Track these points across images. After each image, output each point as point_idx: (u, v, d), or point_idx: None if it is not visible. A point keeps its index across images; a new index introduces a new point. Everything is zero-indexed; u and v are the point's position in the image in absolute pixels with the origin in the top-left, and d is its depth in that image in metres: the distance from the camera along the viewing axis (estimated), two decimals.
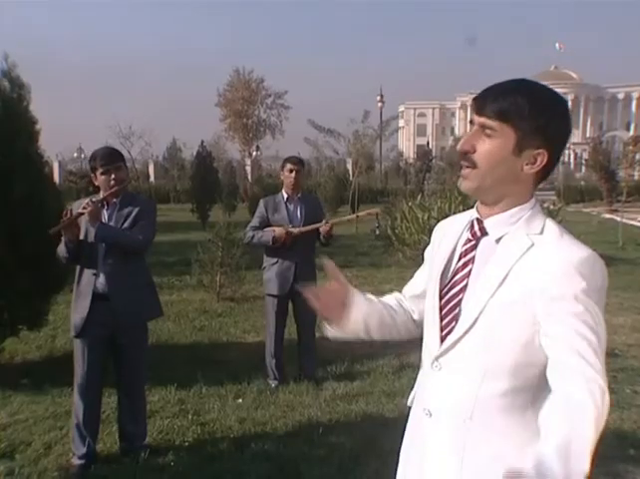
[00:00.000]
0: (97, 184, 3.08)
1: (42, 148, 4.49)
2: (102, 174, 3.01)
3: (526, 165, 1.18)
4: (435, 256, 1.38)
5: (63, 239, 2.98)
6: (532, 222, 1.20)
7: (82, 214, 2.92)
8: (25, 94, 4.29)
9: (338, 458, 3.14)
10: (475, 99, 1.22)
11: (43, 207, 4.16)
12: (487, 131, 1.18)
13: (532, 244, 1.17)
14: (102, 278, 3.01)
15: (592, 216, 18.95)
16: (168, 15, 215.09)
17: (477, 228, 1.27)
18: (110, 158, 3.03)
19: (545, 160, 1.18)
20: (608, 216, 18.47)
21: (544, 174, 1.21)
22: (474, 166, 1.20)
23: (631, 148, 17.31)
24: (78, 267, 3.08)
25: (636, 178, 25.47)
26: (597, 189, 25.10)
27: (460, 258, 1.29)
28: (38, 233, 4.02)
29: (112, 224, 3.06)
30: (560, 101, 1.21)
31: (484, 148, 1.18)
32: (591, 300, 1.10)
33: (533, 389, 1.18)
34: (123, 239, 3.02)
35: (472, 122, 1.23)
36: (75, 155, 45.25)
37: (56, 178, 25.41)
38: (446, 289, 1.29)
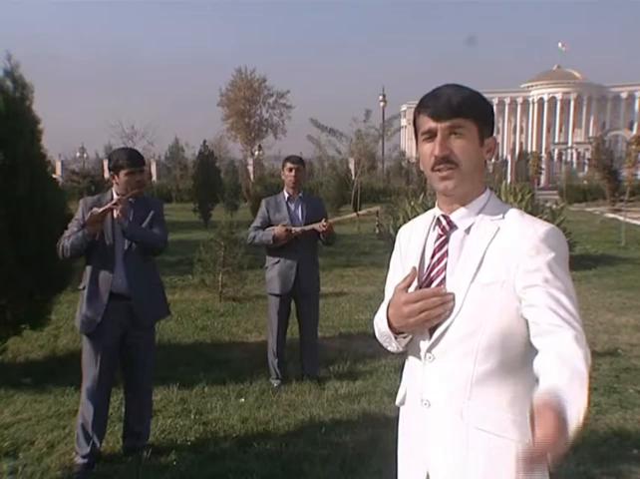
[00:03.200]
0: (117, 183, 3.08)
1: (44, 147, 4.51)
2: (126, 174, 3.03)
3: (487, 153, 1.32)
4: (405, 260, 1.43)
5: (72, 235, 2.98)
6: (494, 209, 1.32)
7: (112, 209, 2.94)
8: (28, 93, 4.30)
9: (340, 458, 3.14)
10: (424, 108, 1.30)
11: (45, 206, 4.17)
12: (457, 130, 1.27)
13: (499, 229, 1.28)
14: (121, 278, 3.02)
15: (595, 215, 18.92)
16: (171, 15, 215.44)
17: (444, 223, 1.35)
18: (136, 160, 3.08)
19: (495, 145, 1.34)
20: (611, 215, 18.42)
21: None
22: (456, 165, 1.27)
23: (634, 147, 17.20)
24: (90, 267, 3.07)
25: (639, 177, 25.40)
26: (600, 188, 25.02)
27: (433, 254, 1.35)
28: (40, 232, 4.04)
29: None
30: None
31: (460, 146, 1.27)
32: (560, 267, 1.22)
33: (520, 356, 1.26)
34: (150, 238, 3.08)
35: (429, 131, 1.28)
36: (77, 154, 45.36)
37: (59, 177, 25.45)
38: (424, 286, 1.33)
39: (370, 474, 2.97)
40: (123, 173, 3.04)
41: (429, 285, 1.32)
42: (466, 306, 1.25)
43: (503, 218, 1.29)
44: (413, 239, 1.43)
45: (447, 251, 1.32)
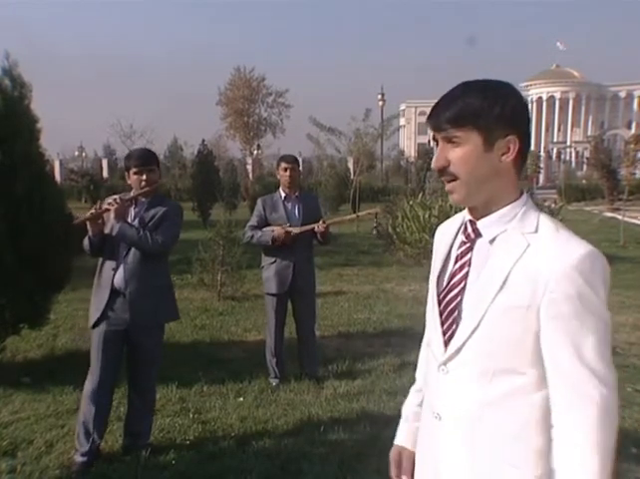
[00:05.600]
0: (129, 182, 3.19)
1: (43, 146, 4.50)
2: (134, 174, 3.12)
3: (502, 155, 1.19)
4: (434, 262, 1.38)
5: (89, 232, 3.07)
6: (526, 219, 1.20)
7: (108, 210, 3.05)
8: (26, 92, 4.29)
9: (339, 456, 3.15)
10: (428, 117, 1.24)
11: (44, 205, 4.16)
12: (454, 139, 1.19)
13: (529, 245, 1.16)
14: (121, 274, 3.07)
15: (594, 214, 18.95)
16: (170, 13, 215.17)
17: (470, 229, 1.26)
18: (143, 159, 3.14)
19: (518, 144, 1.19)
20: (610, 214, 18.45)
21: (522, 159, 1.22)
22: (454, 177, 1.21)
23: (633, 146, 17.22)
24: (100, 260, 3.16)
25: (638, 176, 25.41)
26: (599, 187, 25.09)
27: (456, 261, 1.28)
28: (39, 231, 4.03)
29: (136, 222, 3.13)
30: (506, 85, 1.22)
31: (456, 156, 1.19)
32: (591, 301, 1.11)
33: (538, 383, 1.17)
34: (140, 242, 3.07)
35: (435, 139, 1.25)
36: (76, 153, 45.31)
37: (57, 176, 25.44)
38: (444, 293, 1.28)
39: (368, 473, 2.97)
40: (131, 172, 3.14)
41: (448, 293, 1.26)
42: (483, 327, 1.18)
43: (536, 232, 1.17)
44: (443, 241, 1.36)
45: (469, 261, 1.24)
